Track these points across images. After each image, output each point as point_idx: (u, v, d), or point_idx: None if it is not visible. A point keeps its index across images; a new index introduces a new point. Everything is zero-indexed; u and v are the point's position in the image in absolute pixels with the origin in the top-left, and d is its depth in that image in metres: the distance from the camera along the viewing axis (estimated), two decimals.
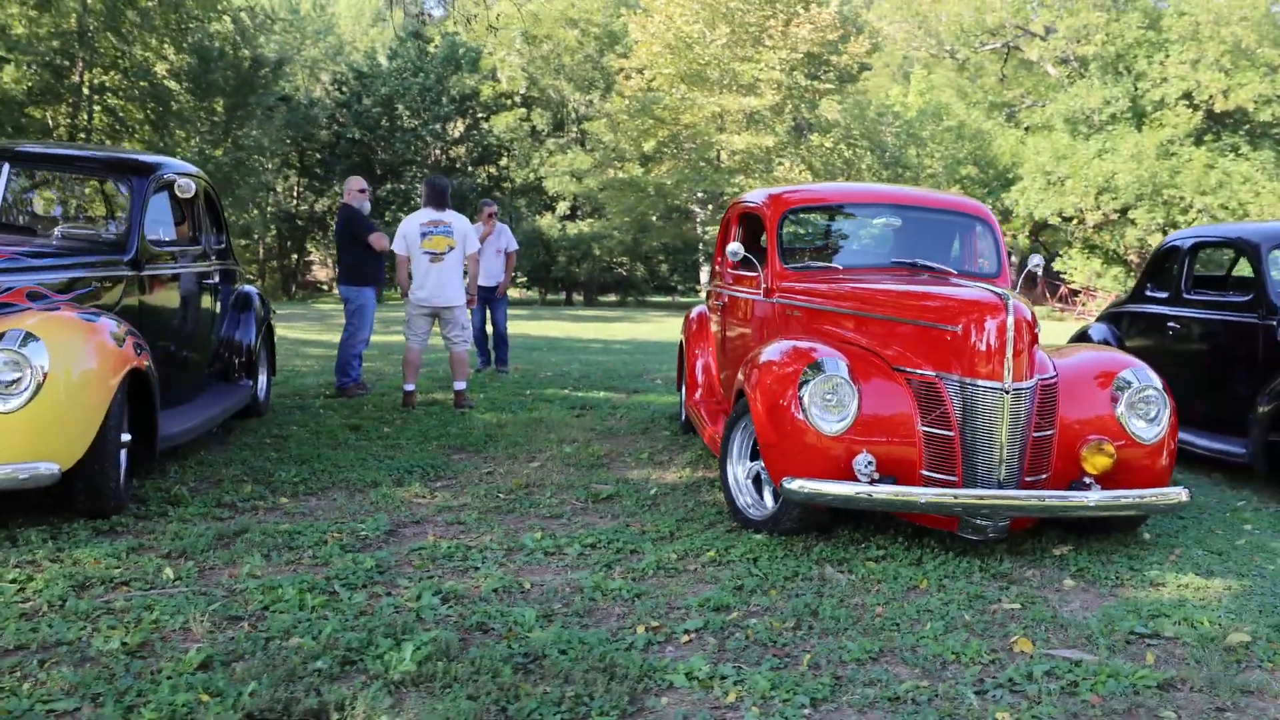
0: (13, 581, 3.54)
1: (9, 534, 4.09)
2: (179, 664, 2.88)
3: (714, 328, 6.88)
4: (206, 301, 6.40)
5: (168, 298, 5.75)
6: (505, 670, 2.89)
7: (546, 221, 35.92)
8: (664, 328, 22.19)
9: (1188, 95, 30.04)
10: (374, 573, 3.81)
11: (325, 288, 39.25)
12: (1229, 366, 6.39)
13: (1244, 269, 6.83)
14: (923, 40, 37.14)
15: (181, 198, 5.83)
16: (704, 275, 31.75)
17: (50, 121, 27.10)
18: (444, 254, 7.82)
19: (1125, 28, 31.09)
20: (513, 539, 4.37)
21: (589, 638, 3.17)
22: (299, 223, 37.39)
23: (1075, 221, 31.80)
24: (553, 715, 2.66)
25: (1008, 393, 4.13)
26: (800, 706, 2.78)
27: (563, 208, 36.78)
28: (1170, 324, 6.99)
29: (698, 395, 6.77)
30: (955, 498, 4.08)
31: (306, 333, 16.41)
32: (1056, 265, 34.68)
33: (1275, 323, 5.98)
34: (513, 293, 38.78)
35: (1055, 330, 19.50)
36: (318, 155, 36.23)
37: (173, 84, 29.06)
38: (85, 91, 27.54)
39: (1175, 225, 28.08)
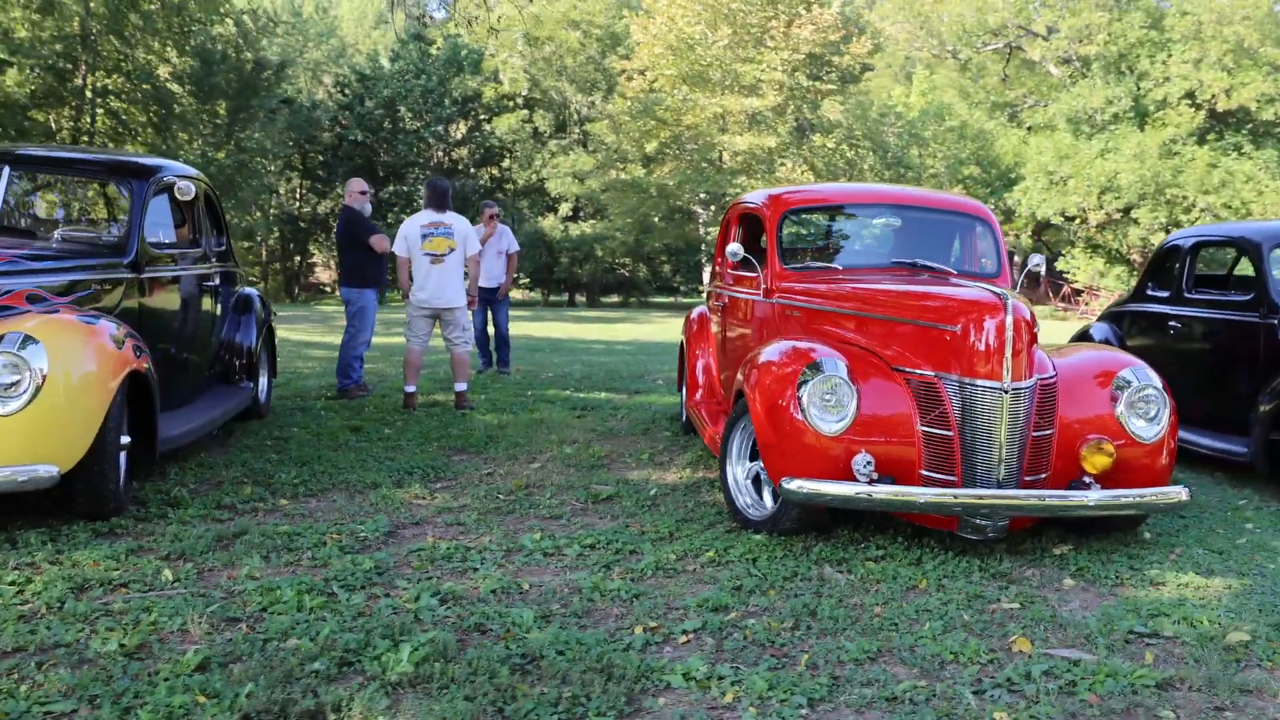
0: (12, 583, 3.55)
1: (9, 536, 4.09)
2: (176, 666, 2.88)
3: (714, 328, 6.88)
4: (207, 304, 6.40)
5: (168, 300, 5.76)
6: (503, 671, 2.89)
7: (549, 223, 35.95)
8: (666, 328, 22.19)
9: (1190, 95, 30.00)
10: (373, 574, 3.81)
11: (328, 290, 39.27)
12: (1230, 366, 6.38)
13: (1245, 268, 6.82)
14: (925, 40, 37.12)
15: (181, 200, 5.83)
16: (706, 276, 31.72)
17: (53, 125, 27.16)
18: (444, 255, 7.82)
19: (1128, 27, 31.05)
20: (512, 540, 4.37)
21: (587, 638, 3.17)
22: (302, 225, 37.45)
23: (1078, 221, 31.77)
24: (549, 716, 2.66)
25: (1007, 392, 4.13)
26: (798, 707, 2.77)
27: (565, 209, 36.81)
28: (1171, 323, 6.98)
29: (698, 396, 6.77)
30: (955, 497, 4.08)
31: (309, 334, 16.42)
32: (1059, 265, 34.65)
33: (1276, 322, 5.96)
34: (515, 294, 38.83)
35: (1058, 330, 19.48)
36: (320, 157, 36.29)
37: (175, 87, 29.12)
38: (88, 95, 27.59)
39: (1178, 224, 28.04)
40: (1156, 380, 4.48)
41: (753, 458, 4.73)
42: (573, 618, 3.42)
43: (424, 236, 7.82)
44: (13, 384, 3.97)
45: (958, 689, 2.91)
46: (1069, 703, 2.84)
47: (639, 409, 8.35)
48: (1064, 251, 34.12)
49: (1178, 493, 4.28)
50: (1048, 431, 4.31)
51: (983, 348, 4.16)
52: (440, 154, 36.63)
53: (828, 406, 4.25)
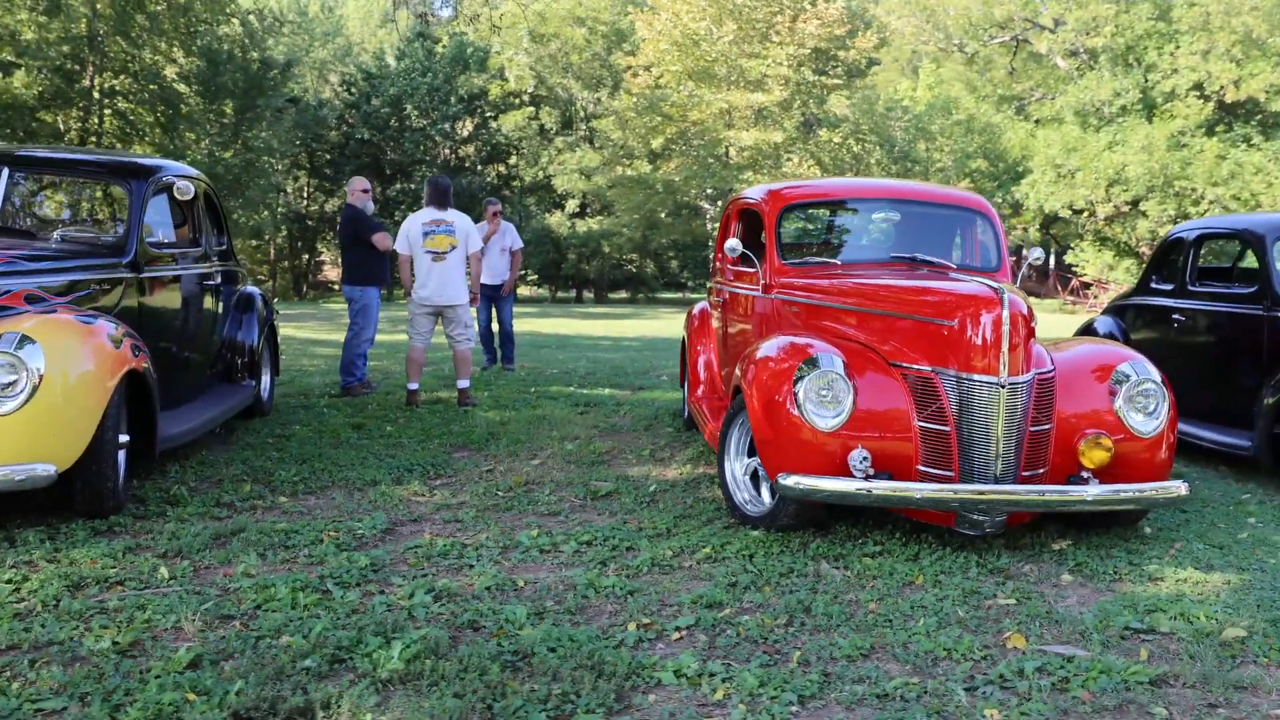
0: (8, 582, 3.56)
1: (7, 535, 4.11)
2: (168, 663, 2.89)
3: (715, 324, 6.87)
4: (208, 303, 6.42)
5: (168, 299, 5.77)
6: (493, 668, 2.89)
7: (556, 219, 35.96)
8: (673, 324, 22.16)
9: (1199, 86, 29.84)
10: (368, 571, 3.82)
11: (335, 287, 39.32)
12: (1234, 359, 6.35)
13: (1250, 261, 6.78)
14: (931, 34, 36.99)
15: (181, 200, 5.84)
16: None
17: (61, 126, 27.27)
18: (446, 253, 7.83)
19: (1135, 19, 30.90)
20: (509, 537, 4.37)
21: (579, 635, 3.17)
22: (309, 223, 37.53)
23: (1086, 214, 31.65)
24: (538, 713, 2.66)
25: (1003, 387, 4.11)
26: (788, 704, 2.77)
27: (572, 205, 36.81)
28: (1175, 316, 6.94)
29: (700, 392, 6.76)
30: (955, 493, 4.06)
31: (316, 332, 16.46)
32: (1068, 258, 34.53)
33: None
34: (523, 290, 38.88)
35: (1066, 324, 19.41)
36: (327, 156, 36.34)
37: (182, 87, 29.20)
38: (96, 96, 27.69)
39: (1187, 216, 27.90)
40: (1155, 374, 4.46)
41: (751, 454, 4.72)
42: (566, 614, 3.42)
43: (425, 234, 7.83)
44: (10, 384, 3.99)
45: (950, 686, 2.90)
46: (1061, 699, 2.83)
47: (642, 405, 8.35)
48: (1073, 245, 33.99)
49: (1177, 487, 4.26)
50: (1045, 426, 4.29)
51: (979, 342, 4.15)
52: (447, 152, 36.65)
53: (824, 402, 4.24)
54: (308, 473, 5.48)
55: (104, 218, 6.68)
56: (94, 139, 27.55)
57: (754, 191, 6.36)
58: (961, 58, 37.40)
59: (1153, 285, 7.43)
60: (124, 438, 4.55)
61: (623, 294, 39.74)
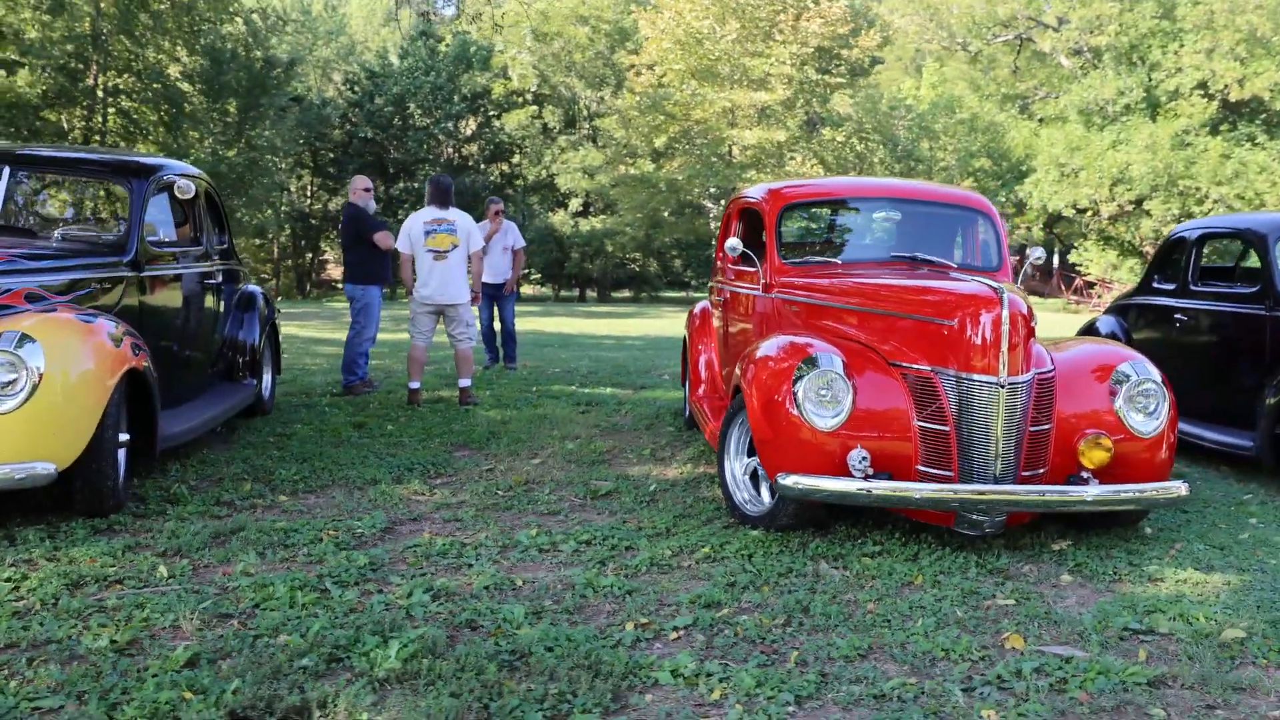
0: (8, 580, 3.56)
1: (7, 533, 4.12)
2: (166, 662, 2.89)
3: (716, 323, 6.86)
4: (209, 301, 6.42)
5: (169, 298, 5.78)
6: (490, 667, 2.89)
7: (559, 218, 35.96)
8: (677, 323, 22.14)
9: (1203, 85, 29.76)
10: (367, 570, 3.82)
11: (339, 286, 39.31)
12: (1236, 359, 6.34)
13: (1252, 260, 6.76)
14: (934, 33, 36.93)
15: (182, 198, 5.85)
16: None
17: (65, 125, 27.30)
18: (447, 252, 7.83)
19: (1139, 18, 30.82)
20: (508, 536, 4.37)
21: (576, 635, 3.17)
22: (313, 222, 37.57)
23: (1090, 213, 31.58)
24: (535, 712, 2.65)
25: (1003, 387, 4.11)
26: (785, 704, 2.76)
27: (575, 204, 36.80)
28: (1177, 316, 6.93)
29: (701, 391, 6.76)
30: (955, 493, 4.06)
31: (319, 331, 16.46)
32: (1072, 257, 34.46)
33: None
34: (526, 289, 38.89)
35: (1070, 323, 19.38)
36: (331, 155, 36.37)
37: (186, 86, 29.22)
38: (99, 94, 27.72)
39: (1191, 216, 27.83)
40: (1156, 374, 4.45)
41: (751, 453, 4.72)
42: (564, 614, 3.42)
43: (427, 233, 7.83)
44: (9, 382, 3.99)
45: (947, 686, 2.89)
46: (1059, 700, 2.83)
47: (643, 404, 8.34)
48: (1076, 244, 33.93)
49: (1177, 488, 4.25)
50: (1045, 426, 4.29)
51: (979, 342, 4.14)
52: (450, 150, 36.66)
53: (823, 402, 4.24)
54: (308, 471, 5.49)
55: (105, 216, 6.68)
56: (98, 138, 27.58)
57: (754, 190, 6.35)
58: (965, 56, 37.35)
59: (1155, 285, 7.42)
60: (124, 436, 4.55)
61: (626, 293, 39.75)
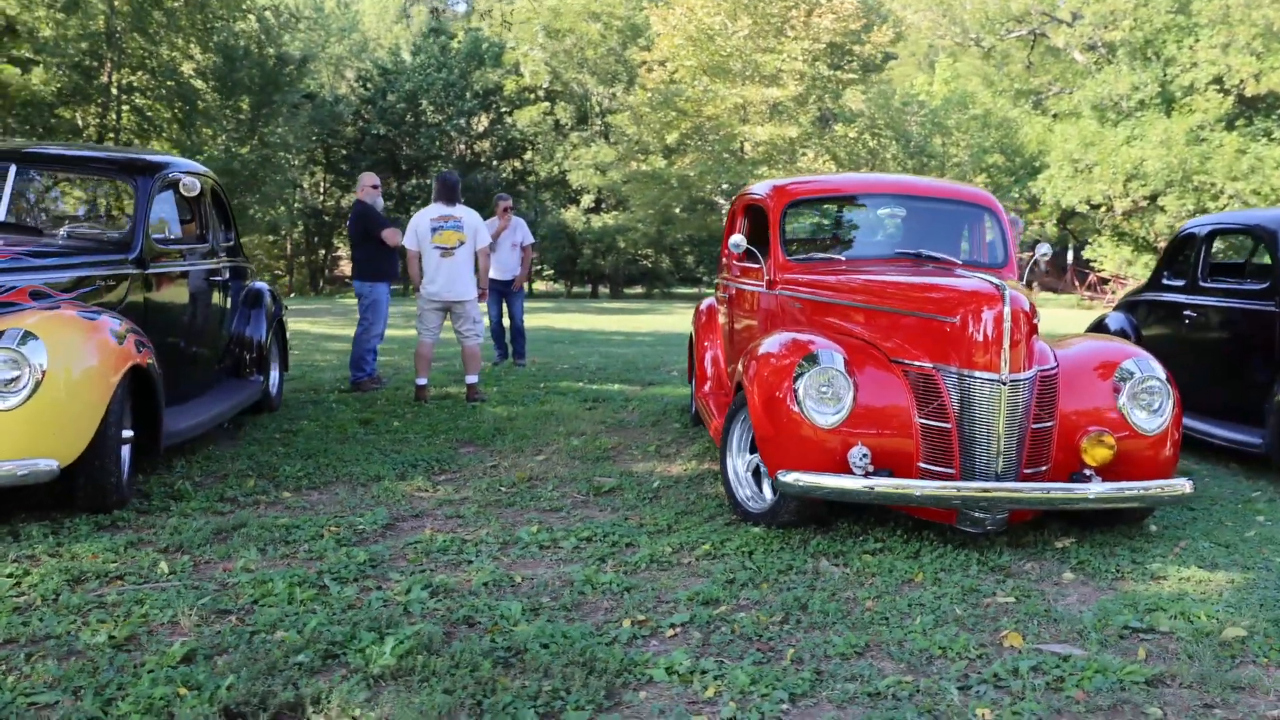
0: (9, 576, 3.59)
1: (11, 529, 4.14)
2: (162, 657, 2.90)
3: (722, 320, 6.85)
4: (215, 298, 6.44)
5: (175, 295, 5.80)
6: (485, 664, 2.89)
7: (571, 214, 35.99)
8: (687, 319, 22.00)
9: (1218, 80, 29.52)
10: (366, 566, 3.83)
11: (351, 282, 39.50)
12: (1246, 355, 6.29)
13: (1262, 256, 6.71)
14: (947, 28, 36.74)
15: (187, 196, 5.86)
16: None
17: (80, 122, 27.46)
18: (454, 248, 7.84)
19: (1154, 12, 30.59)
20: (509, 533, 4.37)
21: (572, 631, 3.17)
22: (325, 218, 37.71)
23: (1104, 209, 31.39)
24: (528, 709, 2.66)
25: (1004, 384, 4.08)
26: (778, 702, 2.76)
27: (587, 201, 36.82)
28: (1186, 313, 6.88)
29: (707, 387, 6.76)
30: (958, 490, 4.04)
31: (330, 327, 16.52)
32: (1086, 253, 34.28)
33: None
34: (538, 285, 38.95)
35: (1083, 319, 19.26)
36: (343, 151, 36.49)
37: (199, 83, 29.37)
38: (114, 92, 27.88)
39: (1206, 211, 27.61)
40: (1160, 371, 4.42)
41: (753, 450, 4.70)
42: (561, 611, 3.42)
43: (434, 230, 7.84)
44: (12, 380, 4.01)
45: (943, 685, 2.88)
46: (1055, 699, 2.81)
47: (651, 401, 8.34)
48: (1090, 240, 33.74)
49: (1181, 485, 4.22)
50: (1048, 423, 4.26)
51: (980, 339, 4.12)
52: (462, 147, 36.73)
53: (824, 399, 4.23)
54: (312, 468, 5.50)
55: (112, 214, 6.70)
56: (112, 135, 27.74)
57: (759, 187, 6.34)
58: (978, 52, 37.15)
59: (1164, 281, 7.37)
60: (128, 433, 4.57)
61: (638, 289, 39.74)
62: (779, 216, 5.71)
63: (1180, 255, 7.33)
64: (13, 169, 5.38)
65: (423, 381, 8.04)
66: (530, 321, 11.59)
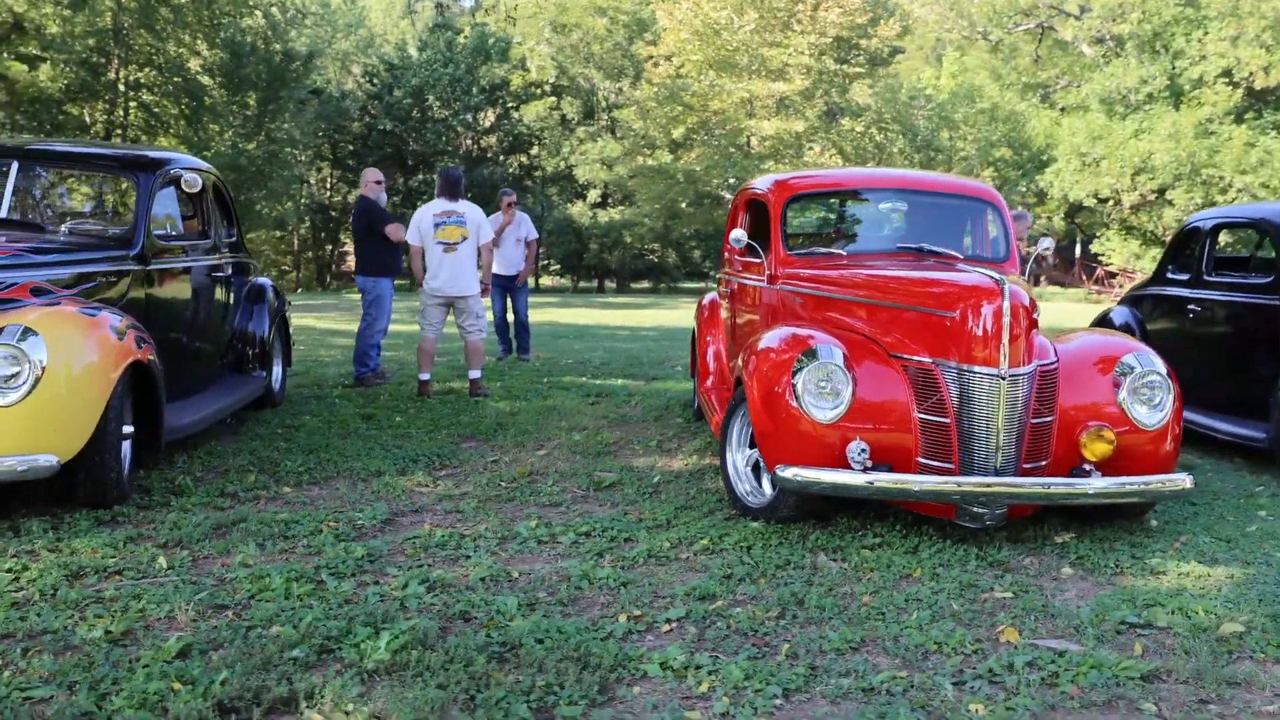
0: (9, 571, 3.60)
1: (11, 524, 4.16)
2: (158, 652, 2.91)
3: (724, 315, 6.85)
4: (217, 294, 6.46)
5: (177, 291, 5.81)
6: (479, 659, 2.90)
7: (578, 209, 35.97)
8: (692, 314, 22.10)
9: (1227, 73, 29.35)
10: (364, 562, 3.83)
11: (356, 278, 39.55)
12: (1250, 349, 6.26)
13: (1268, 250, 6.68)
14: (955, 22, 36.61)
15: (189, 192, 5.87)
16: None
17: (87, 119, 27.54)
18: (457, 244, 7.84)
19: (1162, 5, 30.41)
20: (508, 528, 4.37)
21: (568, 626, 3.17)
22: (332, 214, 37.74)
23: (1111, 203, 31.26)
24: (520, 704, 2.66)
25: (1004, 379, 4.07)
26: (772, 697, 2.75)
27: (593, 195, 36.81)
28: (1191, 307, 6.85)
29: (709, 382, 6.75)
30: (958, 485, 4.03)
31: (336, 323, 16.53)
32: (1094, 247, 34.14)
33: None
34: (545, 280, 38.96)
35: (1090, 313, 19.19)
36: (350, 147, 36.51)
37: (206, 79, 29.41)
38: (121, 88, 27.93)
39: (1214, 205, 27.50)
40: (1160, 366, 4.40)
41: (753, 445, 4.70)
42: (557, 606, 3.42)
43: (437, 225, 7.84)
44: (12, 375, 4.03)
45: (938, 680, 2.87)
46: (1049, 695, 2.80)
47: (653, 395, 8.34)
48: (1098, 234, 33.62)
49: (1182, 480, 4.21)
50: (1048, 418, 4.25)
51: (979, 334, 4.11)
52: (469, 142, 36.73)
53: (823, 394, 4.22)
54: (313, 463, 5.52)
55: (117, 210, 6.72)
56: (119, 132, 27.81)
57: (761, 182, 6.33)
58: (986, 45, 37.01)
59: (1169, 275, 7.34)
60: (128, 429, 4.59)
61: (645, 284, 39.72)
62: (780, 211, 5.70)
63: (1185, 249, 7.29)
64: (15, 166, 5.40)
65: (426, 377, 8.05)
66: (535, 316, 11.58)
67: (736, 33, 30.32)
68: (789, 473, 4.11)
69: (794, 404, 4.22)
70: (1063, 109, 33.99)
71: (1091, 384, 4.36)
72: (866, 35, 31.61)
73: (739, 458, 4.77)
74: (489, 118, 36.98)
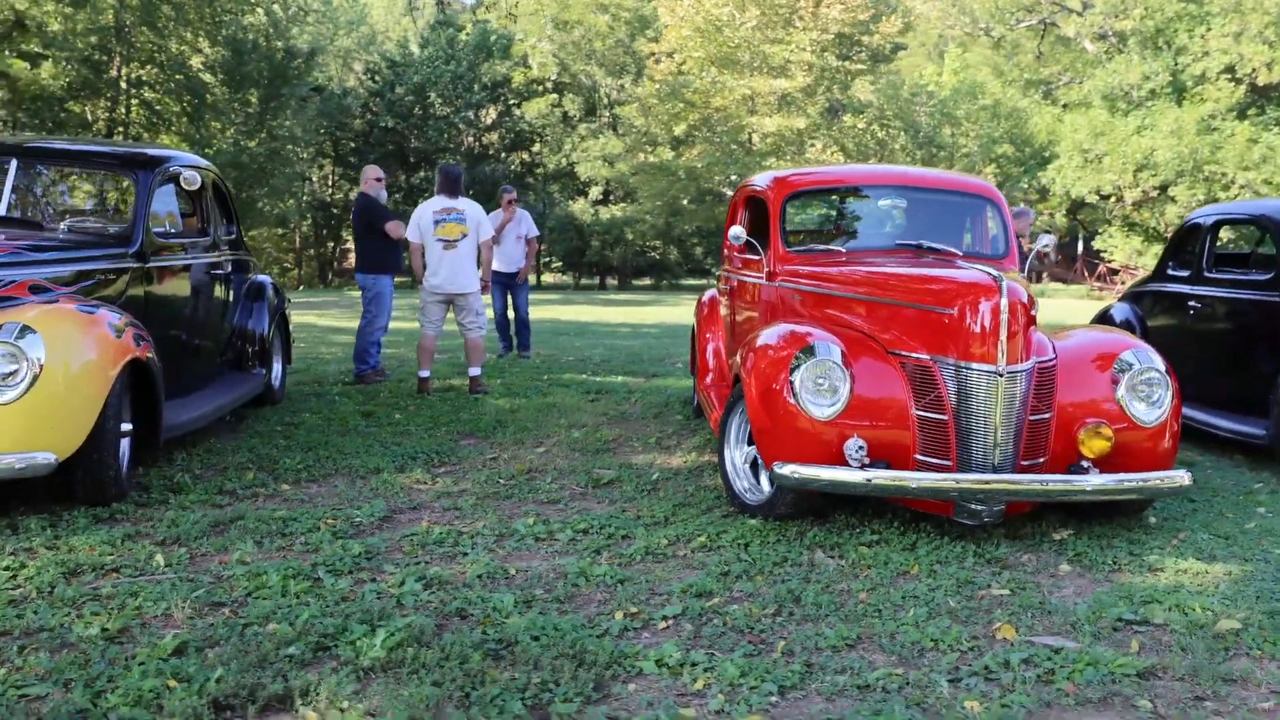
0: (6, 568, 3.60)
1: (10, 522, 4.16)
2: (154, 650, 2.91)
3: (723, 312, 6.84)
4: (217, 291, 6.46)
5: (176, 288, 5.82)
6: (475, 656, 2.90)
7: (579, 206, 35.99)
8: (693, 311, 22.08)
9: (1230, 69, 29.32)
10: (361, 559, 3.84)
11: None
12: (1250, 346, 6.25)
13: (1269, 247, 6.67)
14: (957, 18, 36.60)
15: (188, 190, 5.87)
16: None
17: (89, 116, 27.56)
18: (457, 241, 7.84)
19: (1165, 1, 30.40)
20: (506, 525, 4.37)
21: (564, 624, 3.17)
22: (334, 211, 37.79)
23: (1114, 199, 31.24)
24: (515, 701, 2.66)
25: (1001, 375, 4.07)
26: (767, 694, 2.75)
27: (595, 192, 36.81)
28: (1191, 303, 6.84)
29: (708, 379, 6.75)
30: (956, 483, 4.03)
31: (338, 320, 16.54)
32: (1097, 244, 34.13)
33: None
34: (547, 278, 38.96)
35: (1092, 310, 19.18)
36: (352, 144, 36.55)
37: (208, 77, 29.45)
38: (123, 86, 27.96)
39: (1216, 201, 27.45)
40: (1159, 363, 4.39)
41: (751, 442, 4.69)
42: (554, 603, 3.42)
43: (436, 222, 7.84)
44: (10, 373, 4.03)
45: (933, 677, 2.87)
46: (1045, 692, 2.80)
47: (654, 392, 8.33)
48: (1100, 230, 33.59)
49: (1180, 477, 4.20)
50: (1046, 415, 4.24)
51: (977, 330, 4.10)
52: (470, 139, 36.75)
53: (820, 391, 4.22)
54: (312, 460, 5.52)
55: (116, 207, 6.72)
56: (121, 129, 27.83)
57: (760, 179, 6.32)
58: (988, 42, 36.99)
59: (1169, 271, 7.33)
60: (126, 426, 4.59)
61: (646, 281, 39.72)
62: (779, 208, 5.70)
63: (1186, 246, 7.28)
64: (14, 164, 5.40)
65: (425, 374, 8.05)
66: (537, 314, 11.59)
67: (738, 29, 30.32)
68: (787, 470, 4.10)
69: (792, 401, 4.22)
70: (1065, 105, 33.97)
71: (1090, 381, 4.35)
72: (868, 32, 31.58)
73: (737, 455, 4.77)
74: (491, 115, 37.01)
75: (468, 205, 7.99)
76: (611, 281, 39.30)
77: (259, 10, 30.19)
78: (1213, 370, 6.51)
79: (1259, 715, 2.69)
